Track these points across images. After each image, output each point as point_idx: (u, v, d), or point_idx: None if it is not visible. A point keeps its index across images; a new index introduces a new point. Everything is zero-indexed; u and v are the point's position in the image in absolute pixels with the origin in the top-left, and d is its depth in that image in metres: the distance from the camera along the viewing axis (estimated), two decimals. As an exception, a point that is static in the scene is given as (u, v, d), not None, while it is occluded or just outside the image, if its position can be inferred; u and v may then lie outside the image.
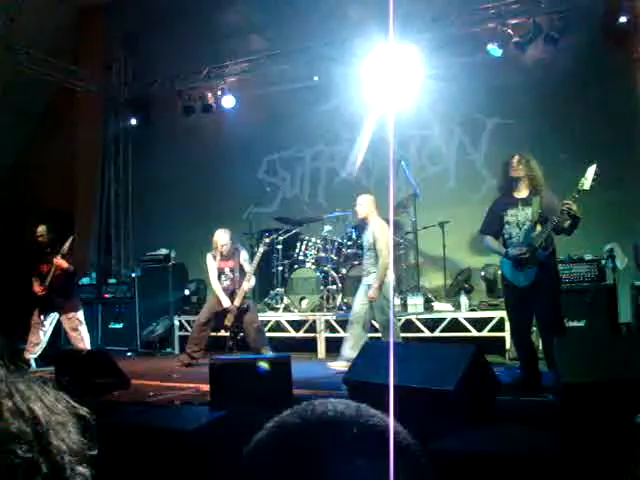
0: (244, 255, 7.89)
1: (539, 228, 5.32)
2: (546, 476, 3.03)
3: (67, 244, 7.81)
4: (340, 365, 6.69)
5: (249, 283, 7.71)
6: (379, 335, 7.14)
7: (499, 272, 8.12)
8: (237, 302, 7.57)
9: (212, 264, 7.83)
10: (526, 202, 5.45)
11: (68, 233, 8.03)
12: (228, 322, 7.55)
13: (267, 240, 7.86)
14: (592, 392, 4.17)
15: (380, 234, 6.70)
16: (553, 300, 5.42)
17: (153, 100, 11.56)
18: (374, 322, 7.09)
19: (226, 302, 7.60)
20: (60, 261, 7.79)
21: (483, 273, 8.41)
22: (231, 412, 4.37)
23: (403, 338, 7.42)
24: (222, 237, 7.80)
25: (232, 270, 7.79)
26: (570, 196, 5.10)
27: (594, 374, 4.32)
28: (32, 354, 7.87)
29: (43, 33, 10.54)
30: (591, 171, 5.06)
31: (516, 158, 5.50)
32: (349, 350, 6.74)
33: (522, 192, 5.52)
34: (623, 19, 8.00)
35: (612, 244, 7.51)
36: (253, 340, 7.54)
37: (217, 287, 7.76)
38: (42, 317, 7.93)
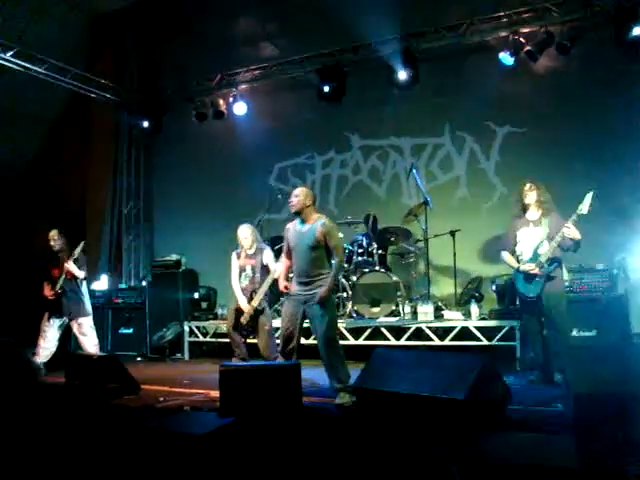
0: (268, 253, 7.62)
1: (546, 246, 6.11)
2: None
3: (78, 249, 7.84)
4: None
5: (276, 267, 7.30)
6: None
7: (509, 281, 8.16)
8: (255, 302, 7.37)
9: (235, 262, 7.68)
10: (536, 224, 6.27)
11: (81, 240, 8.03)
12: (244, 320, 7.41)
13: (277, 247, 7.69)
14: (602, 403, 4.15)
15: (333, 230, 5.82)
16: (558, 311, 6.13)
17: (165, 107, 11.60)
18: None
19: (243, 302, 7.44)
20: (71, 266, 7.82)
21: (494, 287, 8.37)
22: (240, 418, 4.38)
23: (411, 346, 7.37)
24: (243, 231, 7.69)
25: (253, 269, 7.57)
26: (570, 220, 5.87)
27: (605, 385, 4.30)
28: (41, 358, 7.89)
29: (57, 40, 10.60)
30: (589, 198, 5.77)
31: (527, 186, 6.33)
32: None
33: (533, 214, 6.34)
34: (637, 31, 7.92)
35: (624, 254, 7.49)
36: (264, 347, 7.39)
37: (236, 286, 7.59)
38: (52, 321, 7.95)
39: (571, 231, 5.84)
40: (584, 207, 5.78)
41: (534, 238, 6.22)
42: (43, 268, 8.09)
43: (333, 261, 5.79)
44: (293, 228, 5.91)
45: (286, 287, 6.03)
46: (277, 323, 8.63)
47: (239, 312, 7.45)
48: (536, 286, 6.14)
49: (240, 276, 7.64)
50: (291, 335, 5.83)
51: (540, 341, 6.34)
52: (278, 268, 6.98)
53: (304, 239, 5.74)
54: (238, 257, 7.70)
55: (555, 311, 6.10)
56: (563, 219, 6.06)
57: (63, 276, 7.87)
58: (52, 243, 8.00)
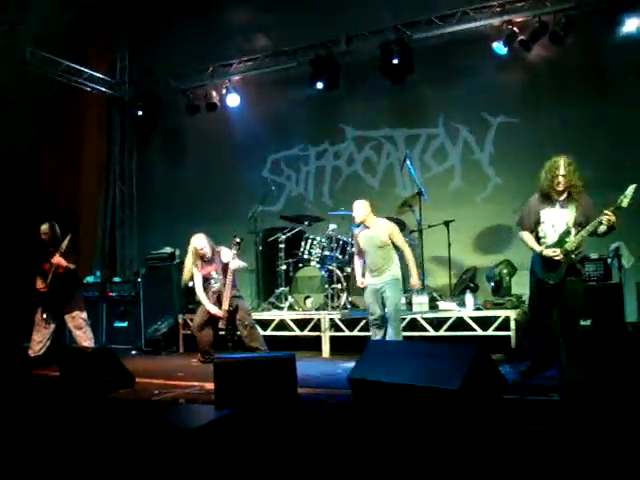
0: (225, 252, 7.64)
1: (573, 232, 5.55)
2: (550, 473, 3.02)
3: (65, 242, 7.81)
4: None
5: (235, 263, 7.49)
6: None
7: (504, 271, 8.16)
8: (225, 305, 7.45)
9: (197, 274, 7.73)
10: (563, 205, 5.64)
11: (68, 232, 8.00)
12: (221, 325, 7.49)
13: (237, 240, 7.63)
14: (597, 391, 4.16)
15: (395, 229, 6.96)
16: (576, 301, 5.68)
17: (158, 99, 11.56)
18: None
19: (214, 310, 7.51)
20: (59, 259, 7.78)
21: (488, 276, 8.38)
22: (236, 410, 4.36)
23: (406, 337, 7.40)
24: (200, 241, 7.65)
25: (217, 272, 7.67)
26: (609, 209, 5.30)
27: (599, 373, 4.31)
28: (35, 352, 7.87)
29: (48, 32, 10.52)
30: (631, 190, 5.29)
31: (564, 161, 5.59)
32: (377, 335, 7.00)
33: (561, 194, 5.65)
34: (631, 22, 7.94)
35: (618, 243, 7.50)
36: (246, 337, 7.51)
37: (203, 298, 7.66)
38: (45, 315, 7.93)
39: (612, 217, 5.29)
40: (625, 200, 5.27)
41: (560, 221, 5.62)
42: (36, 262, 8.05)
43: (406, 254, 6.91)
44: (362, 234, 7.01)
45: (362, 283, 7.12)
46: (269, 316, 8.65)
47: (213, 317, 7.55)
48: (558, 273, 5.55)
49: (209, 282, 7.72)
50: (373, 313, 7.01)
51: (544, 330, 5.78)
52: (237, 264, 7.49)
53: (373, 241, 6.86)
54: (197, 268, 7.74)
55: (574, 301, 5.64)
56: (591, 204, 5.60)
57: (53, 269, 7.84)
58: (43, 237, 7.97)
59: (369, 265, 7.02)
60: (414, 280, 6.96)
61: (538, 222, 5.76)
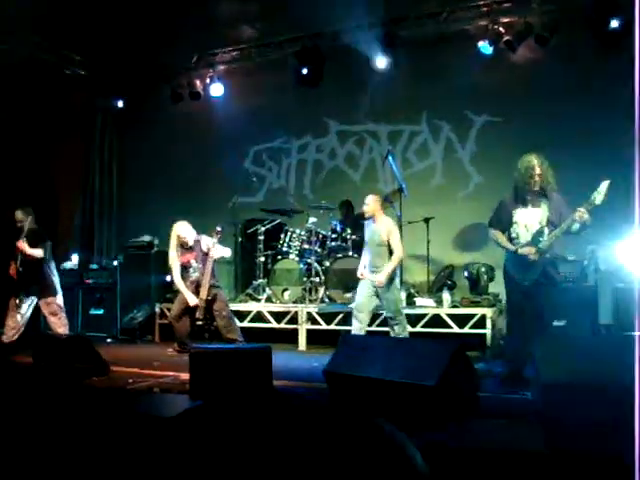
0: (206, 241, 7.64)
1: (547, 231, 5.48)
2: (526, 470, 3.04)
3: (26, 225, 7.77)
4: None
5: (218, 251, 7.60)
6: (386, 329, 7.29)
7: (482, 269, 8.21)
8: (203, 295, 7.46)
9: (176, 261, 7.72)
10: (535, 204, 5.56)
11: (54, 220, 7.95)
12: (199, 315, 7.48)
13: (218, 228, 7.63)
14: (570, 393, 4.19)
15: (394, 230, 7.09)
16: (551, 301, 5.62)
17: (140, 86, 11.46)
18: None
19: (192, 300, 7.49)
20: (22, 245, 7.73)
21: (466, 273, 8.42)
22: (210, 401, 4.35)
23: (382, 332, 7.43)
24: (184, 229, 7.67)
25: (197, 260, 7.65)
26: (582, 207, 5.22)
27: (573, 375, 4.34)
28: (8, 338, 7.79)
29: (26, 16, 10.35)
30: (604, 187, 5.18)
31: (537, 160, 5.54)
32: None
33: (534, 193, 5.57)
34: (615, 24, 8.00)
35: (595, 245, 7.56)
36: (223, 328, 7.50)
37: (181, 286, 7.64)
38: (17, 301, 7.85)
39: (585, 215, 5.20)
40: (599, 196, 5.17)
41: (533, 221, 5.54)
42: (10, 248, 7.97)
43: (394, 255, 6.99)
44: (368, 227, 7.23)
45: (362, 274, 7.19)
46: (247, 307, 8.63)
47: (191, 307, 7.53)
48: (533, 272, 5.48)
49: (188, 271, 7.70)
50: (361, 311, 7.12)
51: (519, 331, 5.67)
52: (221, 251, 7.69)
53: (372, 238, 7.09)
54: (177, 255, 7.74)
55: (549, 301, 5.57)
56: (563, 201, 5.53)
57: (20, 255, 7.77)
58: (19, 224, 7.91)
59: (368, 260, 7.19)
60: (380, 277, 6.90)
61: (510, 222, 5.68)
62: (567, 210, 5.41)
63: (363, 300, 7.10)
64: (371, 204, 7.15)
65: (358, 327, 7.07)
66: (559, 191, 5.62)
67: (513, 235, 5.68)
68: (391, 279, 6.98)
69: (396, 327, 7.04)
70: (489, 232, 5.88)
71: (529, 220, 5.57)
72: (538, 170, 5.48)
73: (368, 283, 7.09)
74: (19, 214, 7.92)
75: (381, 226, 7.08)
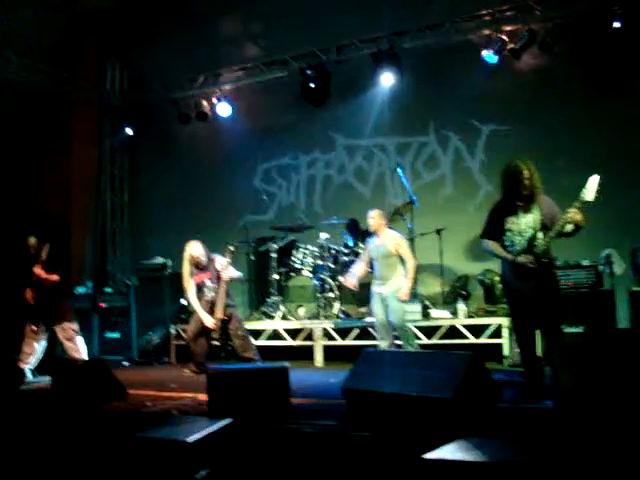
0: (220, 260, 7.65)
1: (540, 236, 5.29)
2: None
3: (43, 252, 7.82)
4: None
5: (229, 273, 7.61)
6: (367, 342, 7.50)
7: (496, 278, 8.16)
8: (218, 315, 7.47)
9: (191, 282, 7.73)
10: (526, 210, 5.39)
11: (65, 246, 8.00)
12: (215, 335, 7.50)
13: (231, 248, 7.62)
14: (590, 398, 4.16)
15: (401, 241, 7.20)
16: (554, 307, 5.38)
17: (149, 108, 11.54)
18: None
19: (208, 321, 7.49)
20: (39, 271, 7.77)
21: (481, 277, 8.39)
22: (231, 422, 4.34)
23: (398, 346, 7.39)
24: (197, 249, 7.68)
25: (211, 280, 7.66)
26: (572, 206, 5.05)
27: (592, 381, 4.31)
28: (27, 365, 7.80)
29: (37, 41, 10.49)
30: (593, 182, 5.00)
31: (523, 165, 5.38)
32: None
33: (524, 199, 5.39)
34: (617, 24, 8.01)
35: (610, 250, 7.52)
36: (239, 347, 7.51)
37: (197, 306, 7.64)
38: (34, 327, 7.88)
39: (577, 215, 5.02)
40: (588, 193, 4.97)
41: (525, 227, 5.36)
42: (26, 274, 8.01)
43: (408, 265, 7.10)
44: (372, 243, 7.36)
45: (346, 281, 7.54)
46: (262, 325, 8.63)
47: (207, 327, 7.54)
48: (533, 280, 5.27)
49: (202, 291, 7.71)
50: (381, 324, 7.25)
51: (528, 341, 5.50)
52: (231, 273, 7.67)
53: (379, 253, 7.20)
54: (191, 275, 7.75)
55: (552, 306, 5.35)
56: (552, 202, 5.40)
57: (37, 281, 7.82)
58: (32, 251, 7.97)
59: (376, 274, 7.31)
60: (403, 291, 7.04)
61: (503, 231, 5.49)
62: (558, 211, 5.28)
63: (378, 315, 7.24)
64: (376, 218, 7.28)
65: (385, 345, 7.21)
66: (551, 197, 5.47)
67: (507, 243, 5.48)
68: (398, 289, 7.07)
69: (402, 340, 7.17)
70: (482, 244, 5.69)
71: (522, 226, 5.39)
72: (526, 174, 5.32)
73: (377, 298, 7.22)
74: (32, 240, 7.97)
75: (387, 239, 7.20)
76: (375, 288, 7.27)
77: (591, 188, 4.99)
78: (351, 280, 7.46)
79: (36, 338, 7.89)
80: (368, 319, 8.21)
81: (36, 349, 7.89)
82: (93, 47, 12.17)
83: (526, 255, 5.29)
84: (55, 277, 7.87)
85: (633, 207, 8.06)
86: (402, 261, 7.18)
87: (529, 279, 5.30)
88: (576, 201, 5.05)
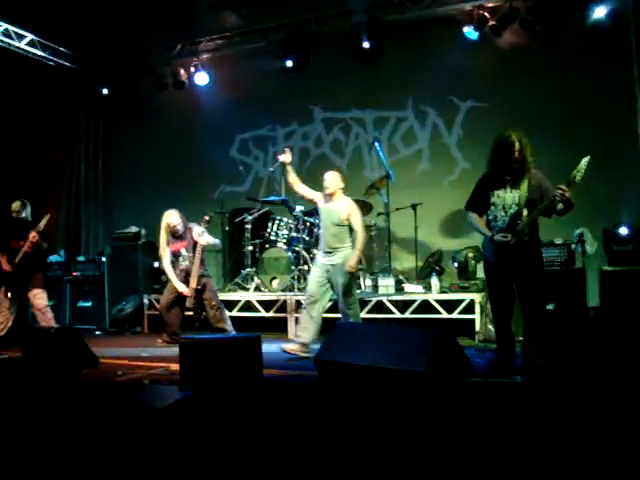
0: (197, 229, 7.62)
1: (525, 213, 5.11)
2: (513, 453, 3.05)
3: (43, 222, 7.74)
4: (293, 348, 6.61)
5: (205, 239, 7.59)
6: (339, 316, 6.91)
7: (470, 254, 8.23)
8: (193, 284, 7.48)
9: (166, 250, 7.73)
10: (514, 184, 5.18)
11: (41, 211, 7.91)
12: (189, 304, 7.52)
13: (207, 218, 7.61)
14: (559, 374, 4.22)
15: (356, 210, 6.71)
16: (535, 285, 5.20)
17: (125, 76, 11.37)
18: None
19: (181, 288, 7.51)
20: (36, 237, 7.68)
21: (455, 263, 8.43)
22: (201, 391, 4.35)
23: (372, 319, 7.41)
24: (173, 218, 7.65)
25: (187, 249, 7.67)
26: (561, 186, 4.84)
27: (561, 356, 4.37)
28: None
29: (9, 6, 10.24)
30: (584, 164, 4.83)
31: (514, 136, 5.16)
32: (305, 333, 6.64)
33: (513, 173, 5.18)
34: (599, 12, 8.07)
35: (582, 229, 7.59)
36: (212, 317, 7.53)
37: (171, 274, 7.64)
38: (9, 294, 7.80)
39: (566, 193, 4.82)
40: (578, 174, 4.80)
41: (511, 202, 5.18)
42: (1, 240, 7.90)
43: (358, 237, 6.64)
44: (325, 206, 6.78)
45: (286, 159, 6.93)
46: (235, 297, 8.62)
47: (181, 296, 7.53)
48: (512, 258, 5.11)
49: (178, 260, 7.70)
50: (313, 296, 6.69)
51: (504, 316, 5.34)
52: (207, 239, 7.64)
53: (329, 217, 6.68)
54: (168, 244, 7.73)
55: (532, 284, 5.17)
56: (543, 176, 5.20)
57: (24, 248, 7.72)
58: (14, 215, 7.87)
59: (322, 242, 6.85)
60: (352, 262, 6.54)
61: (487, 204, 5.30)
62: (550, 186, 5.06)
63: (314, 288, 6.72)
64: (334, 180, 6.75)
65: (311, 326, 6.65)
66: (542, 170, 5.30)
67: (490, 217, 5.32)
68: (346, 260, 6.59)
69: (350, 316, 6.70)
70: (467, 215, 5.50)
71: (507, 201, 5.19)
72: (517, 146, 5.10)
73: (321, 269, 6.73)
74: (18, 205, 7.89)
75: (341, 204, 6.70)
76: (320, 258, 6.82)
77: (581, 169, 4.84)
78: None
79: (9, 307, 7.82)
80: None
81: (8, 317, 7.82)
82: (68, 13, 11.91)
83: (504, 234, 5.11)
84: (46, 245, 7.84)
85: (606, 188, 8.11)
86: (351, 231, 6.72)
87: (507, 256, 5.13)
88: (565, 182, 4.87)
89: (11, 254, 7.78)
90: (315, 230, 8.72)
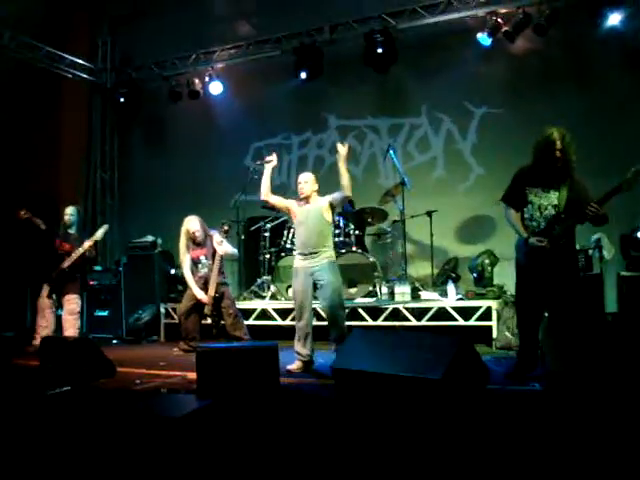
0: (217, 238, 7.62)
1: (563, 218, 5.01)
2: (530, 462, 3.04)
3: (101, 231, 8.03)
4: (300, 367, 6.31)
5: (223, 248, 7.58)
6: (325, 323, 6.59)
7: (486, 261, 8.19)
8: (211, 292, 7.50)
9: (186, 256, 7.76)
10: (554, 185, 5.04)
11: (56, 220, 8.05)
12: (207, 311, 7.54)
13: (225, 227, 7.62)
14: (577, 381, 4.19)
15: (327, 196, 6.44)
16: (568, 291, 5.03)
17: (140, 86, 11.46)
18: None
19: (200, 295, 7.54)
20: (92, 246, 7.93)
21: (473, 273, 8.40)
22: (218, 400, 4.35)
23: (388, 327, 7.36)
24: (193, 224, 7.69)
25: (207, 257, 7.70)
26: (602, 196, 4.78)
27: (579, 363, 4.33)
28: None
29: (29, 17, 10.37)
30: (632, 174, 4.72)
31: (561, 134, 5.00)
32: (304, 349, 6.34)
33: (554, 172, 5.02)
34: (614, 18, 8.04)
35: (599, 234, 7.54)
36: (230, 325, 7.54)
37: (190, 281, 7.67)
38: (51, 300, 7.94)
39: (600, 211, 4.74)
40: (627, 185, 4.70)
41: (547, 203, 5.05)
42: (46, 243, 8.03)
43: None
44: (300, 208, 6.42)
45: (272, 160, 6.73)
46: (251, 305, 8.63)
47: (199, 303, 7.56)
48: (546, 262, 4.98)
49: (197, 267, 7.75)
50: (303, 306, 6.34)
51: (530, 326, 5.25)
52: (225, 249, 7.59)
53: (310, 217, 6.30)
54: (187, 249, 7.76)
55: (566, 292, 4.99)
56: (585, 186, 5.03)
57: (74, 255, 7.83)
58: (66, 218, 8.14)
59: (302, 244, 6.35)
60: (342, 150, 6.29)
61: (525, 201, 5.16)
62: (587, 199, 4.88)
63: (300, 297, 6.36)
64: (310, 182, 6.43)
65: (303, 332, 6.34)
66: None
67: (526, 216, 5.17)
68: (333, 262, 6.32)
69: (334, 324, 6.32)
70: (504, 209, 5.34)
71: (544, 202, 5.07)
72: (559, 145, 4.94)
73: (303, 274, 6.31)
74: (72, 210, 8.25)
75: (320, 203, 6.36)
76: (300, 263, 6.34)
77: (631, 181, 4.72)
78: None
79: (52, 311, 7.98)
80: (358, 300, 8.23)
81: (51, 321, 7.97)
82: (84, 23, 12.05)
83: (540, 237, 5.01)
84: (94, 254, 8.21)
85: (623, 194, 8.05)
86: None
87: (541, 260, 5.02)
88: (616, 183, 4.78)
89: (58, 259, 7.95)
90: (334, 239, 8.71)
